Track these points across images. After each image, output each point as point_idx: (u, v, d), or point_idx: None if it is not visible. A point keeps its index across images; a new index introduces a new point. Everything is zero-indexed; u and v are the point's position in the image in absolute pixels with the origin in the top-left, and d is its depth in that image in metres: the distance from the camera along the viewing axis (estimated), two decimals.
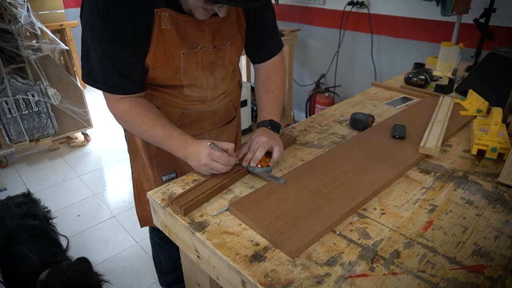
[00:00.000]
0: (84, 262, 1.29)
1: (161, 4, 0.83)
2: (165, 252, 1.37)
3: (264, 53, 1.08)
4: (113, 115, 0.91)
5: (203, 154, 0.82)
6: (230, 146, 0.84)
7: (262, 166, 0.84)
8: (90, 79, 0.87)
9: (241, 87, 1.19)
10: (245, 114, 2.72)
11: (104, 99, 0.91)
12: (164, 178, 1.07)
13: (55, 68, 2.48)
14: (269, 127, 0.95)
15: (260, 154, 0.85)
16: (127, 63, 0.85)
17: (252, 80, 1.39)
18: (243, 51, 1.07)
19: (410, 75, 1.40)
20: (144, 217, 1.19)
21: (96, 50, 0.82)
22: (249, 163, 0.85)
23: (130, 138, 1.08)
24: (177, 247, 0.82)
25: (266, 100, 1.04)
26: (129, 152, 1.11)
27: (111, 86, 0.86)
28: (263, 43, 1.06)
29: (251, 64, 1.16)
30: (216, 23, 0.91)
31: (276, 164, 0.88)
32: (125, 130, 1.11)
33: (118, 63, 0.84)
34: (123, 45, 0.83)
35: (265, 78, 1.07)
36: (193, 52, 0.91)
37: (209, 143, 0.83)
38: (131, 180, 1.14)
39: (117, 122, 0.94)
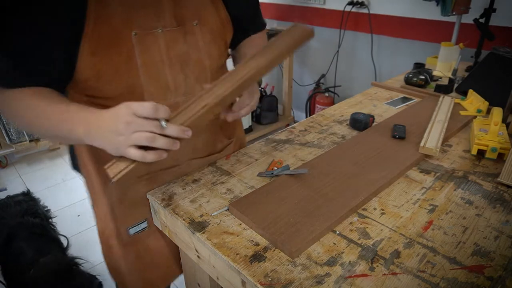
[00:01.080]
0: (55, 255, 1.30)
1: None
2: None
3: (245, 34, 0.89)
4: None
5: (121, 111, 0.56)
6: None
7: (277, 168, 0.85)
8: None
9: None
10: None
11: None
12: (132, 231, 0.83)
13: None
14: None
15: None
16: (27, 43, 0.60)
17: None
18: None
19: (410, 75, 1.40)
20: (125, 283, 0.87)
21: None
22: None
23: (88, 179, 0.82)
24: None
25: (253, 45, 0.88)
26: (90, 198, 0.85)
27: None
28: (245, 22, 0.87)
29: None
30: None
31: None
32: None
33: (9, 40, 0.59)
34: (25, 16, 0.58)
35: (246, 42, 0.91)
36: (152, 35, 0.69)
37: None
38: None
39: None
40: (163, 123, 0.57)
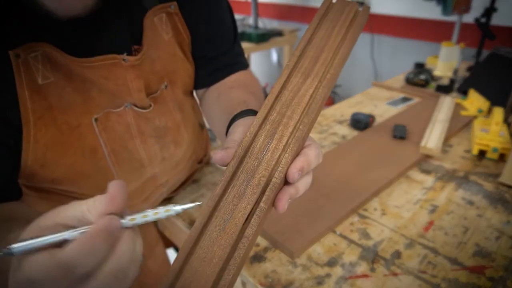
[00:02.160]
0: None
1: (23, 36, 0.43)
2: None
3: (215, 72, 0.69)
4: None
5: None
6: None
7: None
8: None
9: (202, 128, 0.81)
10: None
11: None
12: None
13: None
14: None
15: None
16: None
17: None
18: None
19: (411, 75, 1.40)
20: None
21: None
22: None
23: None
24: None
25: (234, 97, 0.60)
26: None
27: None
28: (215, 57, 0.68)
29: None
30: (143, 64, 0.56)
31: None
32: None
33: None
34: None
35: (219, 94, 0.65)
36: (116, 113, 0.55)
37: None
38: None
39: None
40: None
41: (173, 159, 0.68)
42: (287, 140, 0.35)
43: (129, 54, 0.54)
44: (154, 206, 0.69)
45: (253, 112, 0.47)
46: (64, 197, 0.59)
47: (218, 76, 0.69)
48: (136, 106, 0.57)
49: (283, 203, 0.34)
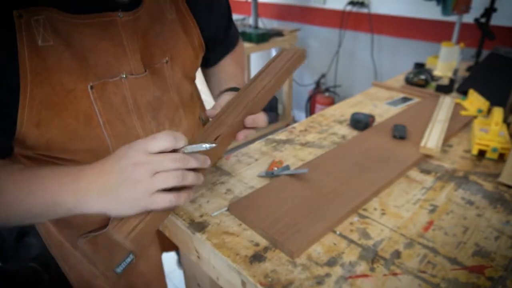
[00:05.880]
0: None
1: (27, 0, 0.48)
2: None
3: (217, 51, 0.81)
4: None
5: (128, 153, 0.45)
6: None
7: (277, 168, 0.85)
8: None
9: (204, 122, 0.84)
10: None
11: None
12: (119, 270, 0.73)
13: None
14: None
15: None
16: None
17: None
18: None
19: (411, 75, 1.40)
20: None
21: None
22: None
23: (48, 239, 0.73)
24: None
25: (230, 72, 0.79)
26: (54, 254, 0.75)
27: None
28: (217, 39, 0.78)
29: None
30: (139, 23, 0.58)
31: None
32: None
33: None
34: None
35: (218, 69, 0.81)
36: (112, 84, 0.57)
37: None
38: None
39: None
40: (188, 149, 0.48)
41: None
42: (241, 109, 0.61)
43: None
44: None
45: (237, 89, 0.72)
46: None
47: (219, 54, 0.84)
48: (132, 74, 0.60)
49: (241, 136, 0.59)
